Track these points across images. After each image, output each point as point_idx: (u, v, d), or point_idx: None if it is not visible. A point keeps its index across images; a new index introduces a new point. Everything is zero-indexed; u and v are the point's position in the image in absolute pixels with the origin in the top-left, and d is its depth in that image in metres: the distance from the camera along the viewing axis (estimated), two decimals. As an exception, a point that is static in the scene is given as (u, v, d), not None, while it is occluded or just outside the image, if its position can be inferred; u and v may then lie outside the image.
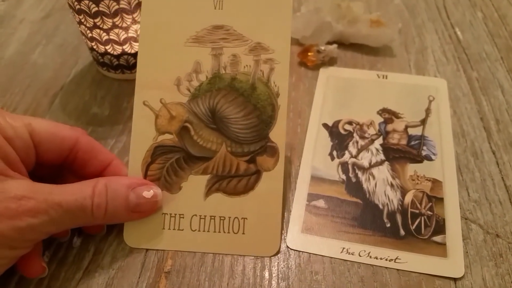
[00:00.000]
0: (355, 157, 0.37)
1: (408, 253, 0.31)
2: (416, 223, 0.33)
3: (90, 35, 0.40)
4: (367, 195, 0.35)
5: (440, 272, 0.30)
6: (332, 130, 0.39)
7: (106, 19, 0.38)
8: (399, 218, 0.33)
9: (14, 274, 0.30)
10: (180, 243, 0.31)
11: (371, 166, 0.37)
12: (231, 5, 0.33)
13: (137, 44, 0.41)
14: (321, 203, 0.34)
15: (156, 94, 0.33)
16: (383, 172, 0.36)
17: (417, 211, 0.34)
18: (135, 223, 0.31)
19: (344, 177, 0.36)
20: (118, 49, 0.41)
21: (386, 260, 0.31)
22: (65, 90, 0.44)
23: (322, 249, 0.32)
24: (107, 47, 0.41)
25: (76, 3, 0.38)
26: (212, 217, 0.32)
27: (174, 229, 0.32)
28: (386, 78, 0.44)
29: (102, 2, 0.37)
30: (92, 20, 0.39)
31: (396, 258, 0.31)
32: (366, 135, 0.39)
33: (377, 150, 0.38)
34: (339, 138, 0.39)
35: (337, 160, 0.37)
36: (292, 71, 0.45)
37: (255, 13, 0.33)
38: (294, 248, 0.32)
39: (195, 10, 0.33)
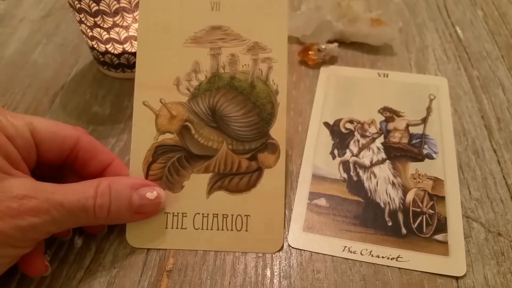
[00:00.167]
0: (356, 155, 0.37)
1: (410, 251, 0.31)
2: (418, 221, 0.33)
3: (90, 34, 0.40)
4: (369, 194, 0.35)
5: (442, 270, 0.30)
6: (333, 128, 0.39)
7: (106, 18, 0.38)
8: (400, 216, 0.33)
9: (16, 272, 0.30)
10: (183, 242, 0.32)
11: (372, 164, 0.37)
12: (228, 6, 0.34)
13: (137, 43, 0.41)
14: (322, 201, 0.34)
15: (155, 94, 0.33)
16: (384, 171, 0.36)
17: (419, 210, 0.34)
18: (137, 223, 0.31)
19: (345, 175, 0.36)
20: (119, 48, 0.41)
21: (388, 258, 0.31)
22: (66, 89, 0.44)
23: (324, 248, 0.32)
24: (107, 46, 0.41)
25: (76, 2, 0.38)
26: (215, 215, 0.32)
27: (177, 228, 0.32)
28: (387, 76, 0.44)
29: (102, 1, 0.37)
30: (92, 19, 0.39)
31: (398, 257, 0.31)
32: (367, 133, 0.39)
33: (378, 148, 0.38)
34: (340, 136, 0.39)
35: (338, 159, 0.37)
36: (293, 70, 0.45)
37: (252, 13, 0.34)
38: (296, 247, 0.32)
39: (193, 12, 0.34)
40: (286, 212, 0.34)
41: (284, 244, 0.32)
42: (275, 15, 0.34)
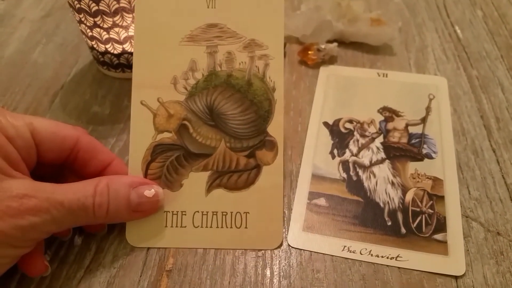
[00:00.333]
0: (356, 155, 0.37)
1: (409, 251, 0.31)
2: (417, 221, 0.33)
3: (90, 34, 0.40)
4: (368, 194, 0.35)
5: (441, 270, 0.30)
6: (333, 128, 0.39)
7: (106, 18, 0.38)
8: (400, 216, 0.33)
9: (16, 272, 0.30)
10: (183, 240, 0.32)
11: (371, 164, 0.37)
12: (224, 3, 0.34)
13: (137, 43, 0.41)
14: (322, 201, 0.34)
15: (153, 93, 0.33)
16: (383, 171, 0.36)
17: (418, 209, 0.34)
18: (137, 222, 0.31)
19: (345, 175, 0.36)
20: (119, 48, 0.41)
21: (387, 258, 0.31)
22: (66, 89, 0.44)
23: (323, 247, 0.32)
24: (107, 46, 0.41)
25: (76, 2, 0.38)
26: (214, 213, 0.32)
27: (176, 226, 0.32)
28: (387, 76, 0.44)
29: (102, 1, 0.37)
30: (92, 19, 0.39)
31: (397, 256, 0.31)
32: (367, 133, 0.39)
33: (378, 148, 0.38)
34: (339, 136, 0.39)
35: (337, 159, 0.37)
36: (293, 70, 0.45)
37: (248, 10, 0.34)
38: (296, 246, 0.32)
39: (189, 10, 0.34)
40: (286, 211, 0.34)
41: (284, 244, 0.32)
42: (272, 11, 0.34)
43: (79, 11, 0.38)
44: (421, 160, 0.37)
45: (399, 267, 0.30)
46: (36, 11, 0.54)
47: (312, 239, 0.32)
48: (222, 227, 0.32)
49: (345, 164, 0.37)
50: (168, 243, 0.32)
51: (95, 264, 0.30)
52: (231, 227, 0.32)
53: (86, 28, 0.40)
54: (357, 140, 0.38)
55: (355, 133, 0.39)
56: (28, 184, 0.26)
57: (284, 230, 0.33)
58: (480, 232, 0.32)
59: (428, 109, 0.41)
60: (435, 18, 0.53)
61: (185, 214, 0.32)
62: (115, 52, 0.42)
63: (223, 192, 0.32)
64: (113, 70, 0.44)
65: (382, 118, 0.40)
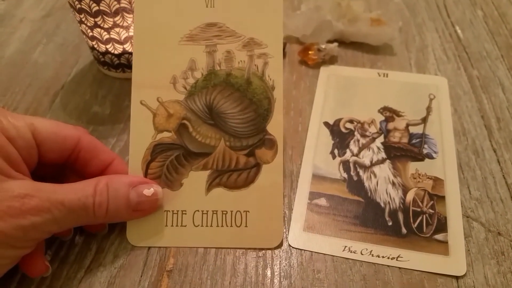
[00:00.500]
0: (357, 155, 0.37)
1: (410, 251, 0.31)
2: (418, 221, 0.33)
3: (90, 34, 0.40)
4: (369, 194, 0.35)
5: (442, 270, 0.30)
6: (333, 128, 0.39)
7: (106, 18, 0.38)
8: (400, 216, 0.33)
9: (16, 273, 0.30)
10: (183, 240, 0.32)
11: (372, 164, 0.37)
12: (223, 2, 0.34)
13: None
14: (322, 201, 0.34)
15: (152, 93, 0.33)
16: (384, 171, 0.36)
17: (419, 210, 0.34)
18: (137, 222, 0.31)
19: (345, 175, 0.36)
20: (119, 48, 0.41)
21: (388, 258, 0.31)
22: (66, 89, 0.44)
23: (324, 248, 0.32)
24: (107, 46, 0.41)
25: (76, 2, 0.38)
26: (215, 212, 0.32)
27: (177, 225, 0.32)
28: (387, 76, 0.44)
29: (102, 1, 0.37)
30: (92, 19, 0.39)
31: (398, 257, 0.31)
32: (367, 133, 0.39)
33: (378, 148, 0.38)
34: (340, 136, 0.39)
35: (338, 159, 0.37)
36: (293, 70, 0.45)
37: (247, 9, 0.34)
38: (296, 247, 0.32)
39: (188, 9, 0.34)
40: (286, 212, 0.34)
41: (285, 244, 0.32)
42: (270, 10, 0.34)
43: (80, 11, 0.38)
44: (422, 160, 0.37)
45: (399, 267, 0.30)
46: (37, 11, 0.54)
47: (312, 239, 0.32)
48: (222, 226, 0.32)
49: (345, 164, 0.37)
50: (169, 242, 0.32)
51: (96, 264, 0.30)
52: (231, 226, 0.32)
53: (87, 28, 0.40)
54: (358, 140, 0.38)
55: (356, 133, 0.39)
56: (29, 185, 0.26)
57: (284, 230, 0.33)
58: (481, 232, 0.32)
59: (428, 109, 0.41)
60: (435, 18, 0.53)
61: (185, 213, 0.32)
62: (116, 52, 0.42)
63: (223, 191, 0.32)
64: (113, 70, 0.44)
65: (383, 118, 0.40)
